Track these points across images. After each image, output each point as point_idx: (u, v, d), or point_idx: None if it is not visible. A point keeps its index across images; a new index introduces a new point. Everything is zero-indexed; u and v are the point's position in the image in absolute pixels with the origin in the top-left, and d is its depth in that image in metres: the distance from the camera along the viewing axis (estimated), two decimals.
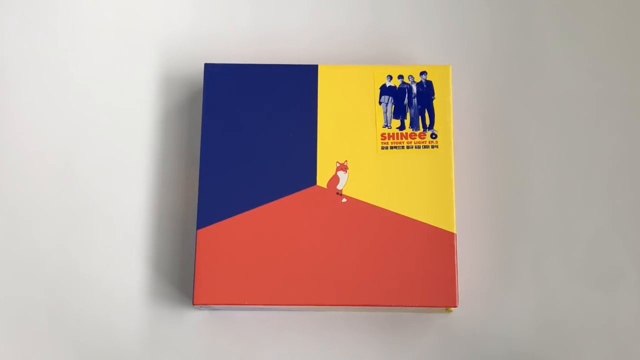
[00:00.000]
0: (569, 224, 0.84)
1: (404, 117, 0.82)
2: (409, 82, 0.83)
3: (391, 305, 0.78)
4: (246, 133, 0.82)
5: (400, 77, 0.83)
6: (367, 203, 0.80)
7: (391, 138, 0.82)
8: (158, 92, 0.88)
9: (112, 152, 0.87)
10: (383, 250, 0.79)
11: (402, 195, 0.80)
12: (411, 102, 0.83)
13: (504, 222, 0.84)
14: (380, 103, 0.83)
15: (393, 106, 0.83)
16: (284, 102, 0.82)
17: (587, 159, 0.86)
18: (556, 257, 0.84)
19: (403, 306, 0.79)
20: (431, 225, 0.80)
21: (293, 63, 0.85)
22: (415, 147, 0.82)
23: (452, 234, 0.79)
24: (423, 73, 0.83)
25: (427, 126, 0.82)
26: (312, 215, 0.80)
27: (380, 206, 0.80)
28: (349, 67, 0.84)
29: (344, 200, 0.80)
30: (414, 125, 0.82)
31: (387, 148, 0.82)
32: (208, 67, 0.83)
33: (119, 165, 0.86)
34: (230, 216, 0.80)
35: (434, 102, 0.82)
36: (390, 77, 0.83)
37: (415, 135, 0.82)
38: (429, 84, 0.83)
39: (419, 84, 0.83)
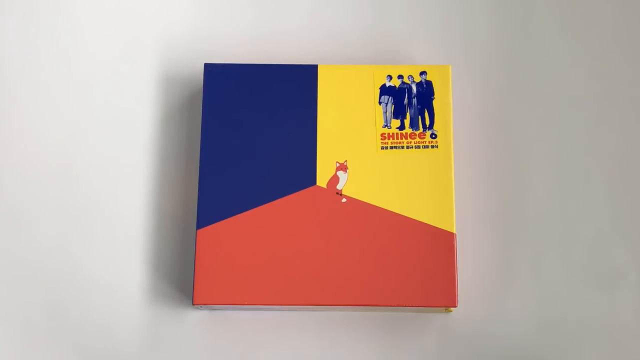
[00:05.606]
0: (569, 224, 0.84)
1: (404, 117, 0.82)
2: (409, 82, 0.83)
3: (391, 305, 0.78)
4: (246, 133, 0.82)
5: (400, 77, 0.83)
6: (367, 203, 0.80)
7: (391, 138, 0.82)
8: (158, 91, 0.88)
9: (112, 152, 0.87)
10: (383, 250, 0.79)
11: (402, 195, 0.80)
12: (411, 102, 0.83)
13: (504, 222, 0.84)
14: (380, 103, 0.83)
15: (393, 106, 0.83)
16: (283, 102, 0.82)
17: (587, 159, 0.86)
18: (556, 257, 0.84)
19: (403, 306, 0.79)
20: (431, 225, 0.80)
21: (293, 63, 0.85)
22: (415, 147, 0.81)
23: (452, 234, 0.79)
24: (423, 73, 0.83)
25: (427, 126, 0.82)
26: (312, 215, 0.80)
27: (380, 206, 0.80)
28: (349, 67, 0.84)
29: (344, 200, 0.80)
30: (413, 125, 0.82)
31: (386, 148, 0.81)
32: (208, 67, 0.83)
33: (119, 165, 0.86)
34: (230, 216, 0.80)
35: (434, 102, 0.82)
36: (390, 77, 0.83)
37: (415, 135, 0.82)
38: (429, 84, 0.83)
39: (418, 84, 0.83)
